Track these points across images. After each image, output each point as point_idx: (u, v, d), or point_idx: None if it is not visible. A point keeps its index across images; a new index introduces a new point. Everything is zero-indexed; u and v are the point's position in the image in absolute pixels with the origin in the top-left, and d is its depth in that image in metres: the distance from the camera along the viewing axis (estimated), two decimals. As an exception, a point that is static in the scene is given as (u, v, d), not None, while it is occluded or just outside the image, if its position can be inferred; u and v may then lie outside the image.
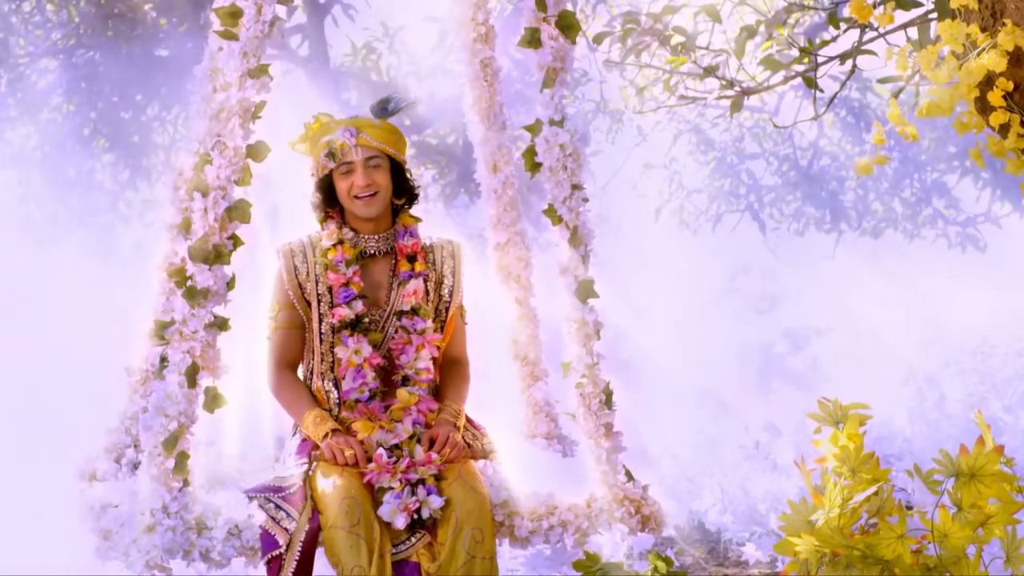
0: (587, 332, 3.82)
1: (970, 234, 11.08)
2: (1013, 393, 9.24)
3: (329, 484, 3.61)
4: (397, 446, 3.72)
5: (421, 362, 3.84)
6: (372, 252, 3.92)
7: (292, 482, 3.66)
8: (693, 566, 6.14)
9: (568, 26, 3.87)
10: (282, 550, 3.53)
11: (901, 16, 4.99)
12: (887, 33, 5.33)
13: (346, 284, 3.84)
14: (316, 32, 9.62)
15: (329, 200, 3.91)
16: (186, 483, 3.59)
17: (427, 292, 3.93)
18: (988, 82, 3.61)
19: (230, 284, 3.66)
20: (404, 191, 3.94)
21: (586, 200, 3.88)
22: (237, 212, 3.64)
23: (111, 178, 10.06)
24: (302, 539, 3.54)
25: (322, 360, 3.87)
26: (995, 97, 3.57)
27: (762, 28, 5.99)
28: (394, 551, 3.60)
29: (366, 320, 3.84)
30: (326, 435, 3.73)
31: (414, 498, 3.59)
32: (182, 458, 3.57)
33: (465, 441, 3.85)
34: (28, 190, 10.01)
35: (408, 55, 9.92)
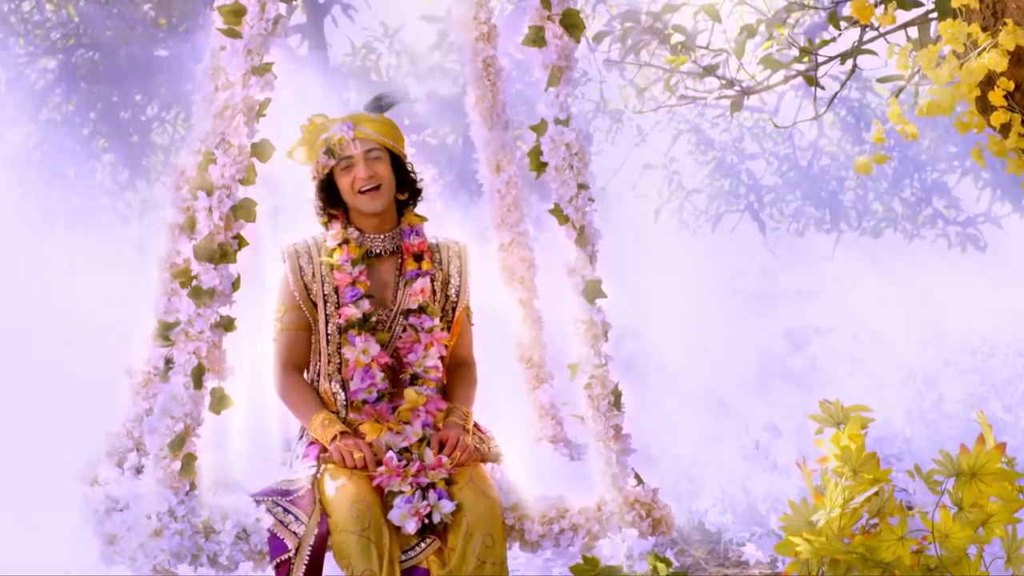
0: (595, 333, 3.77)
1: (970, 234, 11.08)
2: (1013, 393, 9.23)
3: (338, 488, 3.58)
4: (407, 449, 3.68)
5: (429, 360, 3.80)
6: (378, 252, 3.89)
7: (300, 485, 3.62)
8: (693, 566, 6.13)
9: (573, 24, 3.85)
10: (291, 554, 3.49)
11: (902, 16, 4.99)
12: (887, 33, 5.32)
13: (352, 283, 3.81)
14: (316, 32, 9.62)
15: (332, 200, 3.88)
16: (193, 486, 3.54)
17: (434, 292, 3.90)
18: (989, 81, 3.61)
19: (235, 284, 3.62)
20: (407, 185, 3.92)
21: (592, 200, 3.85)
22: (242, 211, 3.61)
23: (110, 178, 10.06)
24: (311, 543, 3.51)
25: (329, 361, 3.84)
26: (996, 97, 3.57)
27: (762, 28, 5.98)
28: (404, 557, 3.56)
29: (373, 319, 3.82)
30: (334, 437, 3.70)
31: (425, 502, 3.56)
32: (189, 460, 3.53)
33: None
34: (27, 190, 10.00)
35: (408, 55, 9.92)
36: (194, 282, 3.57)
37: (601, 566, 3.44)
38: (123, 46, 9.47)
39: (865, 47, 5.27)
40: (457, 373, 3.95)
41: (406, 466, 3.62)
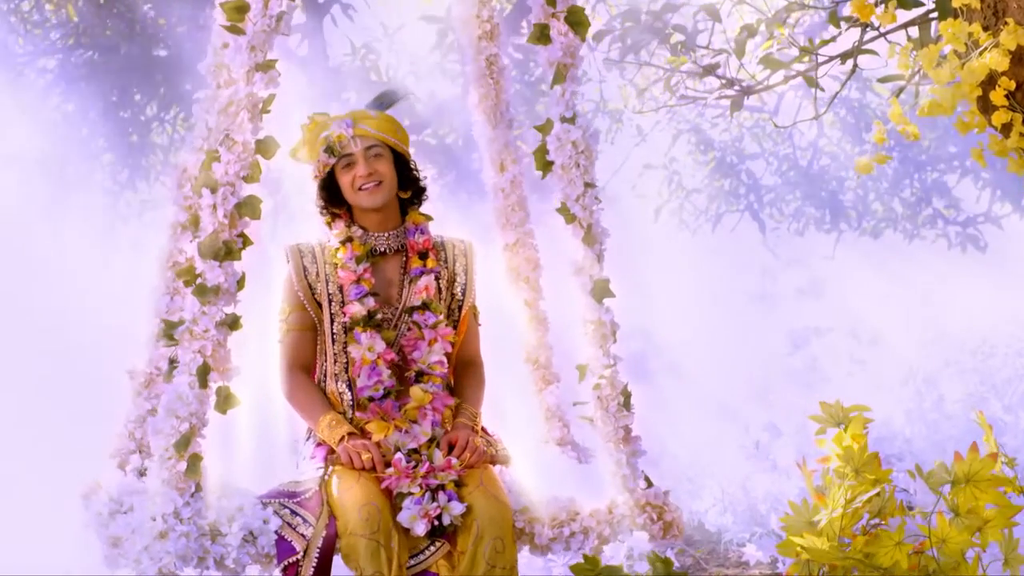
0: (603, 333, 3.74)
1: (970, 234, 11.07)
2: (1013, 393, 9.23)
3: (347, 490, 3.55)
4: (415, 450, 3.66)
5: (434, 356, 3.77)
6: (382, 250, 3.86)
7: (307, 487, 3.60)
8: (693, 567, 6.13)
9: (578, 22, 3.83)
10: (299, 556, 3.46)
11: (902, 15, 4.98)
12: (888, 32, 5.32)
13: (357, 281, 3.79)
14: (315, 32, 9.61)
15: (334, 199, 3.86)
16: (198, 487, 3.51)
17: (439, 290, 3.87)
18: (990, 81, 3.61)
19: (240, 283, 3.60)
20: (409, 182, 3.89)
21: (599, 200, 3.82)
22: (247, 208, 3.59)
23: (110, 178, 10.05)
24: (319, 545, 3.48)
25: (335, 361, 3.81)
26: (997, 96, 3.56)
27: (762, 27, 5.98)
28: (412, 562, 3.54)
29: (378, 316, 3.79)
30: (342, 439, 3.67)
31: (435, 504, 3.53)
32: (194, 460, 3.50)
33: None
34: (26, 189, 9.99)
35: (407, 55, 9.91)
36: (199, 280, 3.54)
37: (602, 566, 3.43)
38: (122, 46, 9.46)
39: (865, 47, 5.26)
40: (465, 373, 3.92)
41: (415, 467, 3.58)
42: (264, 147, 3.61)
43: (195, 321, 3.53)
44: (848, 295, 11.44)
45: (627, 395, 3.73)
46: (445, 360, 3.80)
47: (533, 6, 3.85)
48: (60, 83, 9.73)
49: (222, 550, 3.47)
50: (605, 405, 3.72)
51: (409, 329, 3.81)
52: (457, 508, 3.53)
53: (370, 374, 3.72)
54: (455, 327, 3.88)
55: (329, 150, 3.80)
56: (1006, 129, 3.61)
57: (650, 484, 3.73)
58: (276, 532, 3.50)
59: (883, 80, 5.18)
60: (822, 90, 5.55)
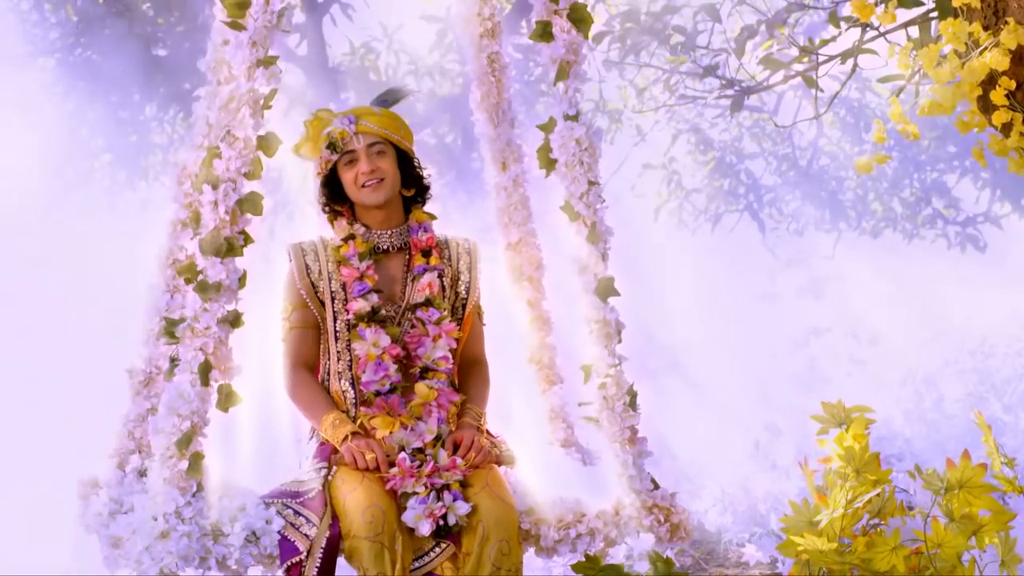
0: (608, 332, 3.71)
1: (970, 234, 11.07)
2: (1013, 393, 9.23)
3: (350, 492, 3.52)
4: (420, 450, 3.63)
5: (438, 352, 3.74)
6: (385, 248, 3.84)
7: (311, 487, 3.57)
8: (693, 567, 6.12)
9: (580, 19, 3.82)
10: (302, 556, 3.44)
11: (902, 15, 4.98)
12: (888, 32, 5.32)
13: (360, 278, 3.77)
14: (314, 31, 9.61)
15: (336, 196, 3.85)
16: (200, 487, 3.48)
17: (443, 288, 3.85)
18: (990, 81, 3.61)
19: (242, 280, 3.57)
20: (412, 180, 3.88)
21: (603, 200, 3.80)
22: (248, 204, 3.57)
23: (109, 178, 10.04)
24: (323, 545, 3.47)
25: (338, 359, 3.79)
26: (998, 96, 3.56)
27: (762, 28, 5.98)
28: (417, 564, 3.52)
29: (382, 313, 3.77)
30: (345, 438, 3.64)
31: (440, 504, 3.50)
32: (196, 459, 3.47)
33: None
34: (25, 190, 9.99)
35: (407, 54, 9.91)
36: (200, 276, 3.52)
37: (603, 565, 3.42)
38: (121, 45, 9.46)
39: (865, 46, 5.26)
40: (469, 373, 3.90)
41: (419, 467, 3.56)
42: (266, 143, 3.59)
43: (196, 318, 3.51)
44: (847, 295, 11.44)
45: (633, 395, 3.70)
46: (450, 356, 3.78)
47: (535, 3, 3.84)
48: (59, 83, 9.72)
49: (224, 550, 3.44)
50: (611, 405, 3.69)
51: (413, 326, 3.78)
52: (462, 508, 3.51)
53: (376, 369, 3.69)
54: (459, 325, 3.87)
55: (331, 146, 3.78)
56: (1006, 128, 3.61)
57: (656, 486, 3.71)
58: (279, 532, 3.47)
59: (883, 80, 5.18)
60: (821, 91, 5.55)
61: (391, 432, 3.64)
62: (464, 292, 3.90)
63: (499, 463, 3.75)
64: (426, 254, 3.85)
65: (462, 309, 3.89)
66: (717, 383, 9.23)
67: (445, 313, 3.80)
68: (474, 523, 3.52)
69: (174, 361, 3.56)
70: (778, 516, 3.06)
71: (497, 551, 3.50)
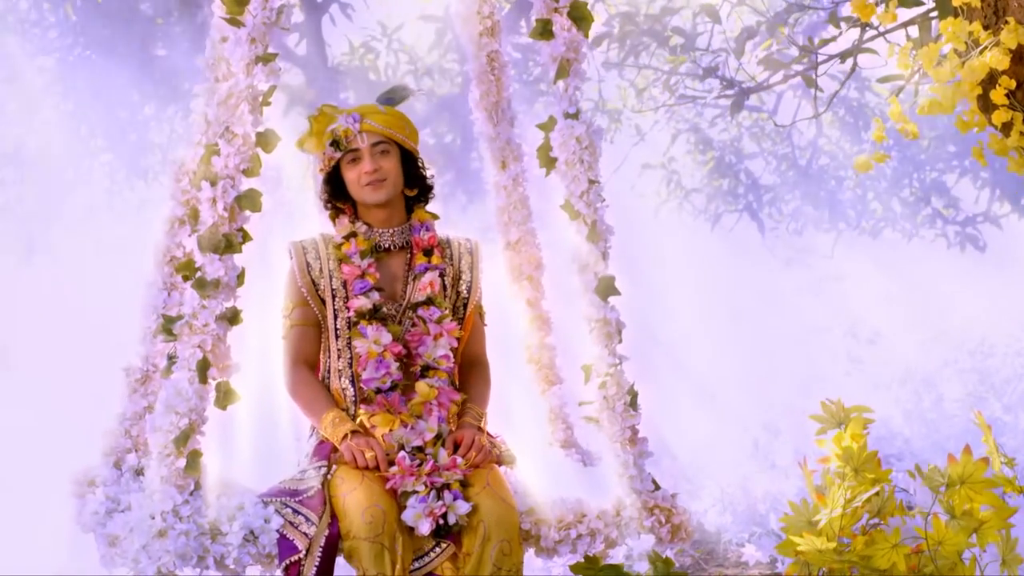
0: (609, 331, 3.69)
1: (969, 234, 11.06)
2: (1012, 393, 9.23)
3: (350, 492, 3.51)
4: (420, 448, 3.62)
5: (439, 350, 3.73)
6: (387, 246, 3.83)
7: (310, 485, 3.56)
8: (693, 566, 6.12)
9: (581, 17, 3.81)
10: (301, 555, 3.43)
11: (902, 14, 4.98)
12: (888, 32, 5.32)
13: (361, 276, 3.76)
14: (314, 31, 9.61)
15: (338, 194, 3.84)
16: (197, 485, 3.46)
17: (444, 287, 3.84)
18: (990, 80, 3.60)
19: (240, 278, 3.57)
20: (416, 180, 3.88)
21: (603, 199, 3.78)
22: (247, 201, 3.56)
23: (108, 177, 10.04)
24: (322, 544, 3.46)
25: (339, 357, 3.78)
26: (998, 95, 3.56)
27: (762, 28, 5.98)
28: (417, 564, 3.51)
29: (383, 311, 3.76)
30: (345, 436, 3.63)
31: (440, 503, 3.48)
32: (194, 456, 3.46)
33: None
34: (24, 189, 9.99)
35: (406, 54, 9.90)
36: (198, 273, 3.51)
37: (602, 565, 3.42)
38: (120, 45, 9.45)
39: (865, 46, 5.26)
40: (470, 373, 3.89)
41: (419, 466, 3.55)
42: (264, 140, 3.58)
43: (194, 315, 3.50)
44: (847, 295, 11.44)
45: (634, 395, 3.68)
46: (451, 355, 3.77)
47: (535, 1, 3.82)
48: (58, 82, 9.72)
49: (222, 549, 3.43)
50: (611, 405, 3.67)
51: (414, 325, 3.77)
52: (463, 508, 3.49)
53: (377, 366, 3.68)
54: (460, 325, 3.86)
55: (335, 144, 3.77)
56: (1006, 128, 3.61)
57: (657, 487, 3.69)
58: (278, 531, 3.46)
59: (883, 80, 5.18)
60: (821, 90, 5.55)
61: (391, 430, 3.63)
62: (465, 292, 3.89)
63: (499, 463, 3.74)
64: (428, 253, 3.84)
65: (463, 309, 3.89)
66: (716, 383, 9.23)
67: (446, 312, 3.80)
68: (475, 523, 3.51)
69: (172, 359, 3.55)
70: (777, 516, 3.06)
71: (498, 551, 3.49)
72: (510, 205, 4.18)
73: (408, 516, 3.49)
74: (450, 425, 3.73)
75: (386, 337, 3.70)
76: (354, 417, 3.73)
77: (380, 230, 3.83)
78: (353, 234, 3.80)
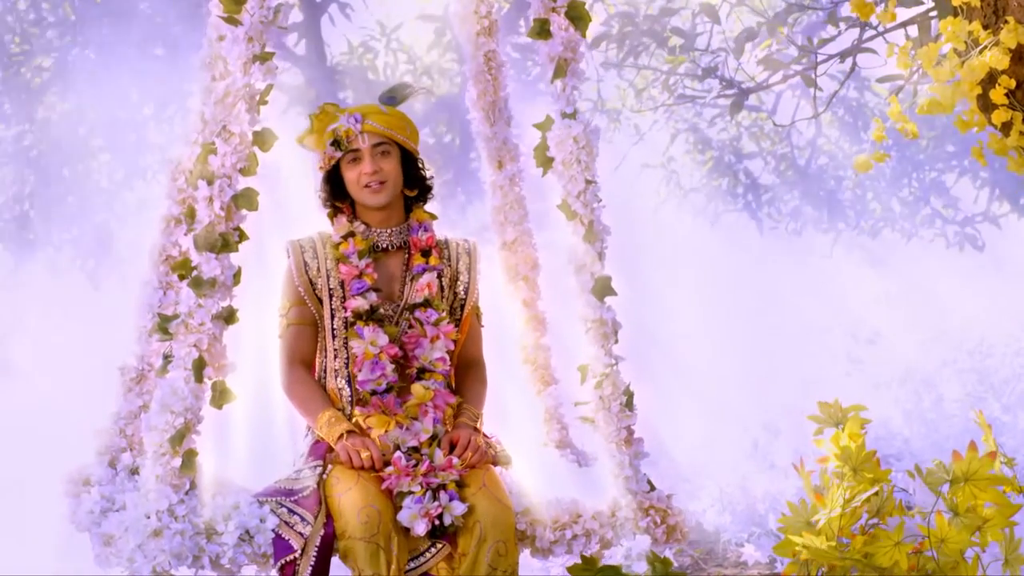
0: (605, 332, 3.69)
1: (968, 234, 11.05)
2: (1011, 393, 9.22)
3: (345, 492, 3.51)
4: (416, 449, 3.62)
5: (436, 352, 3.73)
6: (385, 246, 3.83)
7: (305, 485, 3.56)
8: (692, 566, 6.12)
9: (578, 16, 3.81)
10: (296, 554, 3.43)
11: (901, 14, 4.97)
12: (887, 31, 5.31)
13: (359, 276, 3.76)
14: (313, 30, 9.60)
15: (337, 193, 3.83)
16: (193, 484, 3.47)
17: (442, 288, 3.84)
18: (990, 79, 3.60)
19: (236, 277, 3.57)
20: (416, 181, 3.86)
21: (600, 199, 3.78)
22: (244, 200, 3.56)
23: (107, 177, 10.03)
24: (317, 543, 3.45)
25: (335, 357, 3.78)
26: (997, 95, 3.55)
27: (762, 28, 5.97)
28: (412, 564, 3.51)
29: (380, 312, 3.76)
30: (341, 436, 3.63)
31: (436, 503, 3.49)
32: (189, 456, 3.46)
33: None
34: (23, 189, 9.98)
35: (405, 54, 9.90)
36: (194, 272, 3.51)
37: (599, 565, 3.41)
38: (119, 45, 9.45)
39: (865, 45, 5.26)
40: (467, 374, 3.89)
41: (415, 466, 3.55)
42: (261, 139, 3.58)
43: (190, 314, 3.50)
44: (846, 295, 11.43)
45: (630, 395, 3.68)
46: (447, 357, 3.77)
47: (533, 1, 3.82)
48: (57, 82, 9.72)
49: (218, 549, 3.43)
50: (607, 405, 3.67)
51: (411, 326, 3.77)
52: (458, 508, 3.50)
53: (373, 368, 3.68)
54: (457, 326, 3.85)
55: (336, 143, 3.77)
56: (1006, 128, 3.60)
57: (652, 487, 3.69)
58: (273, 530, 3.46)
59: (882, 80, 5.18)
60: (820, 90, 5.54)
61: (386, 431, 3.63)
62: (463, 293, 3.89)
63: (495, 464, 3.74)
64: (425, 254, 3.84)
65: (460, 310, 3.88)
66: (715, 383, 9.22)
67: (443, 314, 3.80)
68: (471, 524, 3.51)
69: (167, 358, 3.55)
70: (776, 516, 3.06)
71: (494, 552, 3.49)
72: (506, 205, 4.18)
73: (404, 516, 3.48)
74: (446, 426, 3.72)
75: (382, 339, 3.70)
76: (350, 417, 3.72)
77: (378, 230, 3.83)
78: (351, 233, 3.80)
